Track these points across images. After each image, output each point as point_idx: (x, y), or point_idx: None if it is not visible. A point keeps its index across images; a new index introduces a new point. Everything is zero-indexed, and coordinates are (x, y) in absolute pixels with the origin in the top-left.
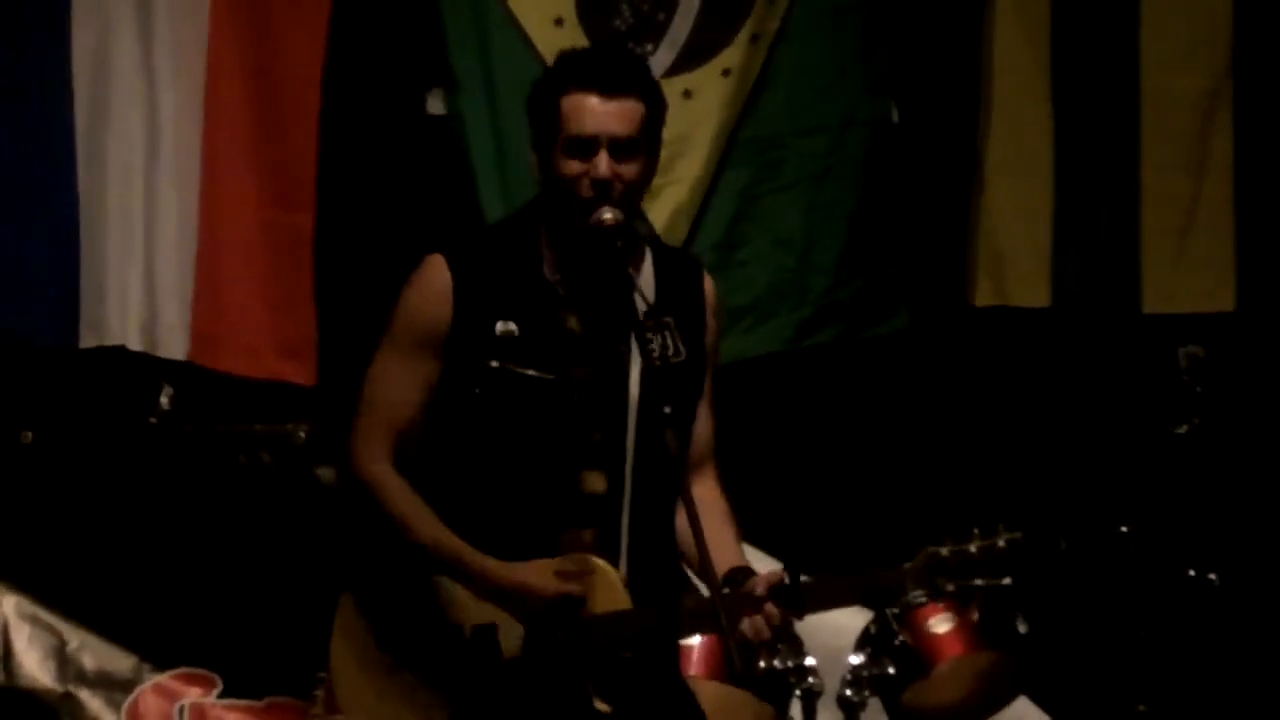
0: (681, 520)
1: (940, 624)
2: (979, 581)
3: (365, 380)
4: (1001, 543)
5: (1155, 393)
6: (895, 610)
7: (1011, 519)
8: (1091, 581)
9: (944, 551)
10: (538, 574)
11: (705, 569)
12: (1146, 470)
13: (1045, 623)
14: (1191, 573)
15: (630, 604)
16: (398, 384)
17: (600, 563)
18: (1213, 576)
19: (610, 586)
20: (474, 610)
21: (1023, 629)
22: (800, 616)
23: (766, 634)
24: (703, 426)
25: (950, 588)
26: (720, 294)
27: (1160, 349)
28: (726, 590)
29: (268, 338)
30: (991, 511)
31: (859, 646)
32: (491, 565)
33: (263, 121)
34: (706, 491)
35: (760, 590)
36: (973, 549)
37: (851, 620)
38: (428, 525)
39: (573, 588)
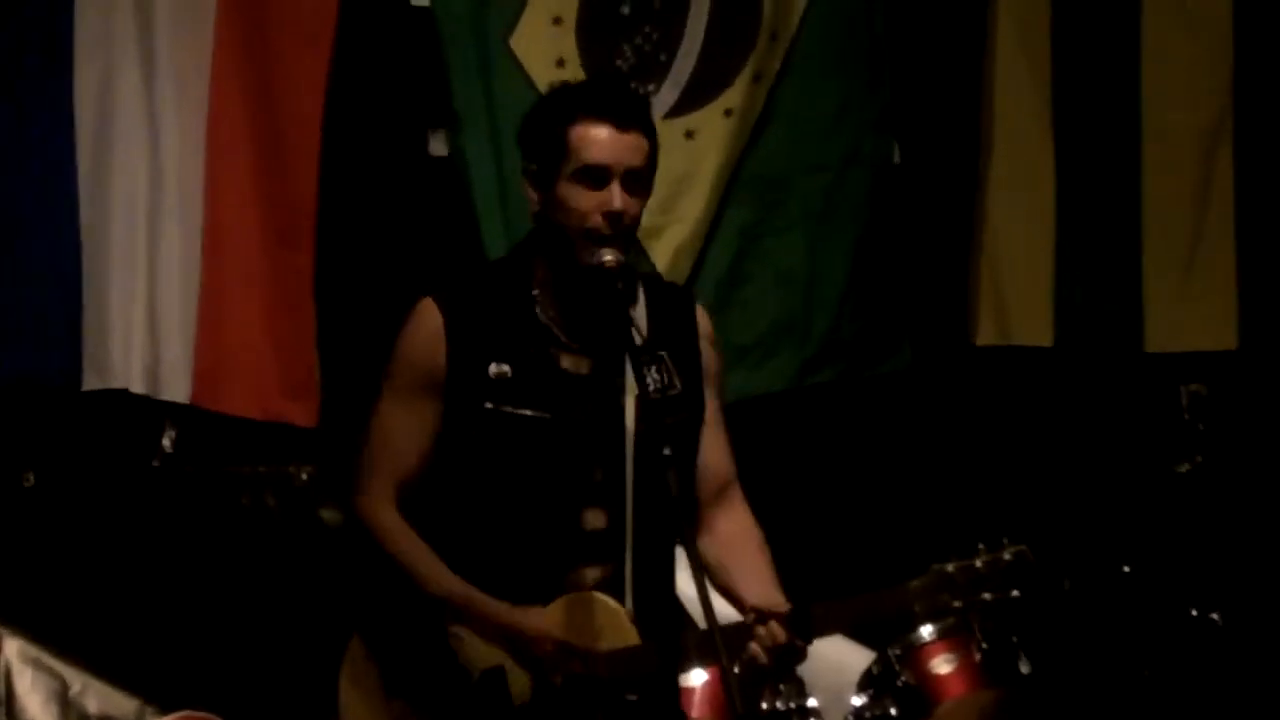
0: (724, 553)
1: (943, 664)
2: (987, 596)
3: (368, 426)
4: (1007, 555)
5: (1158, 431)
6: (897, 650)
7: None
8: (1094, 621)
9: (950, 568)
10: (543, 619)
11: (706, 610)
12: (1149, 509)
13: (1048, 662)
14: (1194, 612)
15: (638, 639)
16: (400, 430)
17: (606, 601)
18: (1215, 616)
19: (617, 624)
20: (483, 654)
21: (1025, 669)
22: (809, 640)
23: (766, 659)
24: (718, 454)
25: (957, 604)
26: (712, 324)
27: (1162, 387)
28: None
29: (270, 379)
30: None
31: (861, 687)
32: (498, 609)
33: (265, 161)
34: (736, 521)
35: (777, 618)
36: (978, 564)
37: (854, 660)
38: (433, 570)
39: (577, 635)
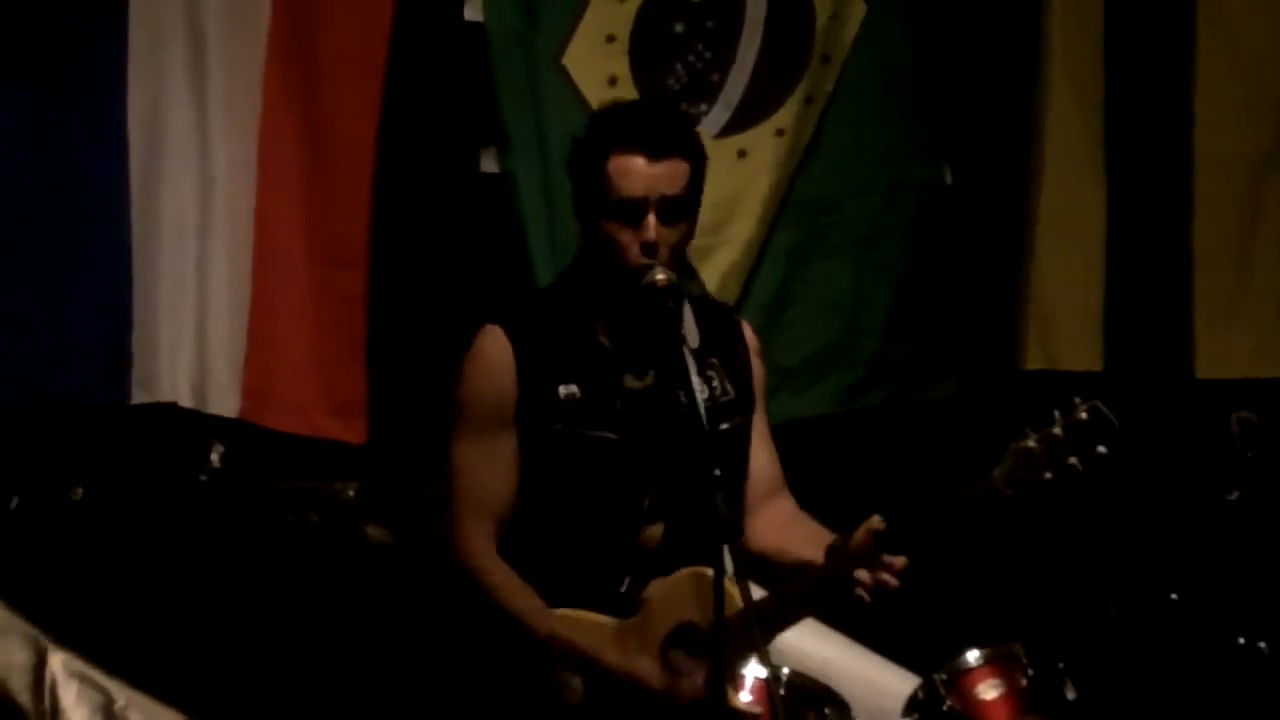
0: (771, 536)
1: (989, 690)
2: (1073, 460)
3: (450, 471)
4: (1083, 414)
5: (1206, 458)
6: (943, 675)
7: (1057, 586)
8: (1140, 648)
9: (1030, 443)
10: (649, 666)
11: (749, 617)
12: (1197, 536)
13: (1094, 689)
14: (1242, 640)
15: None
16: (485, 468)
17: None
18: (1263, 644)
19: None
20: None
21: (1071, 695)
22: (904, 554)
23: (880, 577)
24: (767, 464)
25: (1048, 475)
26: (758, 339)
27: (1212, 414)
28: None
29: (318, 395)
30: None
31: (906, 712)
32: (606, 655)
33: (315, 179)
34: (783, 512)
35: (865, 537)
36: (1056, 430)
37: (899, 685)
38: (540, 616)
39: (680, 680)
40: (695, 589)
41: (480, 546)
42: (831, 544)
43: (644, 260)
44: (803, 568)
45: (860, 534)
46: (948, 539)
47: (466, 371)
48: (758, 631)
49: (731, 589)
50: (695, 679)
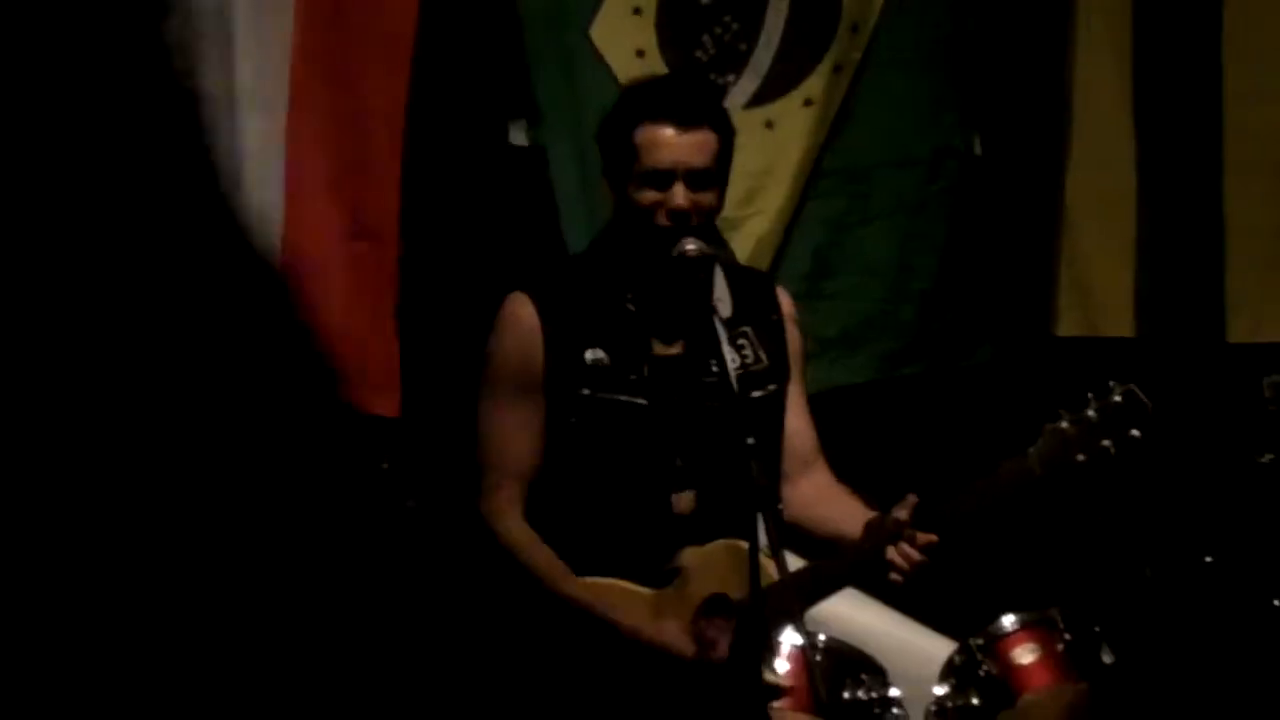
0: (815, 506)
1: (1025, 654)
2: (1107, 443)
3: (479, 436)
4: (1117, 397)
5: (1240, 422)
6: (980, 641)
7: (1091, 550)
8: (1176, 611)
9: (1064, 425)
10: (676, 635)
11: (787, 586)
12: (1231, 499)
13: (1130, 653)
14: (1277, 602)
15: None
16: (512, 435)
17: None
18: None
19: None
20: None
21: (1108, 659)
22: (943, 535)
23: (915, 557)
24: (803, 431)
25: (1081, 458)
26: (800, 312)
27: (1245, 378)
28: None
29: (351, 369)
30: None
31: (943, 677)
32: (632, 622)
33: (346, 153)
34: (820, 482)
35: (903, 516)
36: (1090, 413)
37: (936, 650)
38: (567, 582)
39: (710, 643)
40: (731, 561)
41: (506, 510)
42: (869, 522)
43: (671, 226)
44: (839, 543)
45: (897, 514)
46: (983, 522)
47: (494, 337)
48: (796, 605)
49: (766, 563)
50: (721, 648)
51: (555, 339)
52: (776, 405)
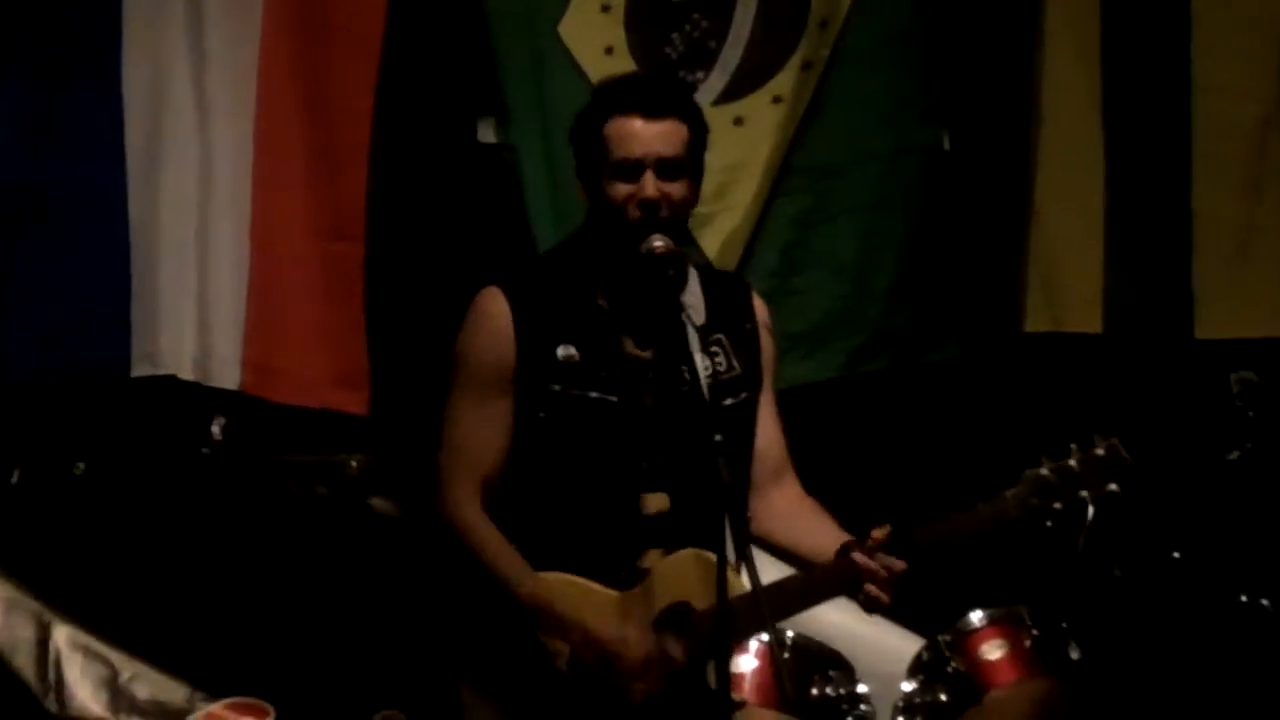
0: (785, 522)
1: (993, 650)
2: (1084, 494)
3: (445, 425)
4: (1100, 450)
5: (1207, 418)
6: (948, 637)
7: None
8: (1144, 608)
9: (1045, 471)
10: (635, 638)
11: (756, 592)
12: (1199, 496)
13: (1098, 649)
14: (1244, 598)
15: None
16: (477, 428)
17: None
18: (1265, 602)
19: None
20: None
21: (1075, 655)
22: (913, 564)
23: (886, 594)
24: (772, 438)
25: (1058, 505)
26: (770, 312)
27: (1212, 374)
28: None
29: (321, 368)
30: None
31: (911, 673)
32: (588, 622)
33: (314, 152)
34: (792, 497)
35: (872, 544)
36: (1072, 462)
37: (904, 647)
38: (523, 577)
39: (665, 651)
40: (698, 570)
41: (468, 505)
42: (842, 546)
43: (641, 217)
44: (808, 565)
45: (870, 542)
46: (954, 556)
47: (464, 332)
48: (758, 623)
49: (734, 578)
50: (676, 656)
51: (527, 334)
52: (748, 413)
